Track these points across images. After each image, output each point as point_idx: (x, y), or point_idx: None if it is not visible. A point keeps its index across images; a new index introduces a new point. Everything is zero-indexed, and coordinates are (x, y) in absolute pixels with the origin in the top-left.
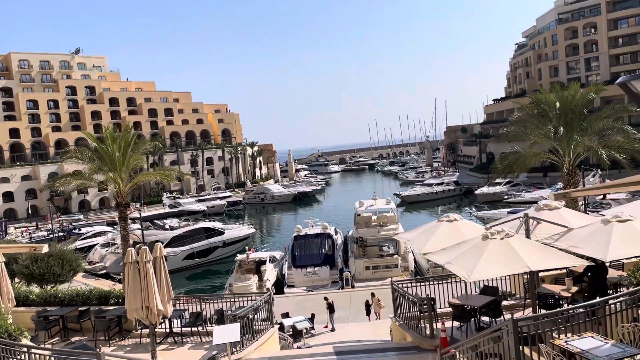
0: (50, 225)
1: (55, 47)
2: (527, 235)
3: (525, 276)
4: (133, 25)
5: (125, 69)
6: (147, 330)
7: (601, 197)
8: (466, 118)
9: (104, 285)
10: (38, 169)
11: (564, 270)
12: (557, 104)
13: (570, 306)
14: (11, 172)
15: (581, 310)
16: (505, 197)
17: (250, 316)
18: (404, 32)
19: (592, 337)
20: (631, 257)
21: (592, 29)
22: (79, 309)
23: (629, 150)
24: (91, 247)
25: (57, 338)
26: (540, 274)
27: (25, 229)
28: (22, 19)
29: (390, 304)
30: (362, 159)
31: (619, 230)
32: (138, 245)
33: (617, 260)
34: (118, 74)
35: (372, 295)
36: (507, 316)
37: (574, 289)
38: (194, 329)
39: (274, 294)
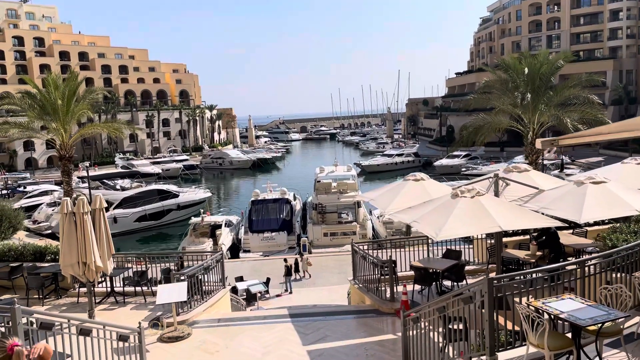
0: None
1: None
2: (496, 196)
3: (489, 241)
4: None
5: (78, 22)
6: (85, 289)
7: (559, 169)
8: (428, 91)
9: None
10: None
11: (528, 236)
12: (526, 70)
13: (549, 266)
14: None
15: (556, 272)
16: (463, 169)
17: (200, 276)
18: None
19: (572, 299)
20: (602, 221)
21: (556, 7)
22: (11, 264)
23: (592, 120)
24: (37, 206)
25: None
26: (504, 240)
27: None
28: None
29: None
30: (323, 128)
31: (593, 191)
32: (75, 195)
33: (581, 228)
34: (70, 25)
35: (301, 255)
36: (470, 280)
37: (538, 254)
38: (138, 288)
39: (229, 259)
